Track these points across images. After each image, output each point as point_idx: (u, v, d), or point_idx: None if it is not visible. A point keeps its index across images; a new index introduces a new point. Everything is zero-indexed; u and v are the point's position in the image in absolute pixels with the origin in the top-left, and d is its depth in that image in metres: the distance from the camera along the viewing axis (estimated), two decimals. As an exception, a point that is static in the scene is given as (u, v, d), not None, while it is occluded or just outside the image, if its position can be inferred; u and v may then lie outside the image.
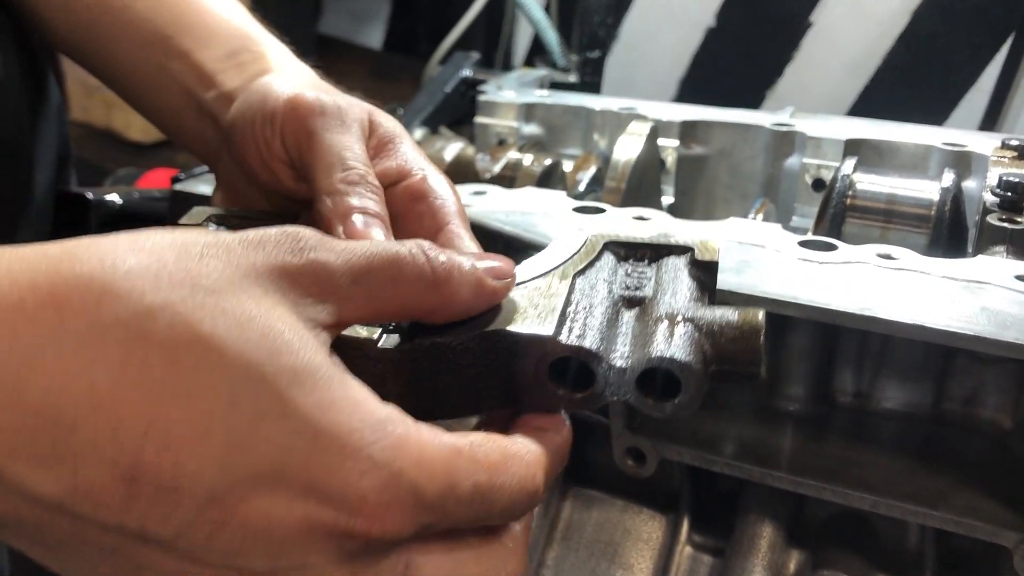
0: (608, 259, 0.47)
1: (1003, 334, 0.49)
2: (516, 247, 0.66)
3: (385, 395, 0.35)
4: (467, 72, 1.23)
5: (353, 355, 0.38)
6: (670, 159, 0.96)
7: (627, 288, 0.45)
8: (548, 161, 0.82)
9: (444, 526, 0.35)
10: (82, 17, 0.61)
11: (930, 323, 0.51)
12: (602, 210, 0.68)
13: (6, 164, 0.65)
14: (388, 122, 0.55)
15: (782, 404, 0.65)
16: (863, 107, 3.14)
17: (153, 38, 0.59)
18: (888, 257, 0.59)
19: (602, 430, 0.64)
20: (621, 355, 0.40)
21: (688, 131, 0.96)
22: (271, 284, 0.34)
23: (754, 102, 3.48)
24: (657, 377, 0.39)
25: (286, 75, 0.57)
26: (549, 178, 0.81)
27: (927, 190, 0.71)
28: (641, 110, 0.98)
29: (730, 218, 0.67)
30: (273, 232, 0.35)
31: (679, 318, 0.41)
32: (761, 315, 0.41)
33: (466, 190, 0.71)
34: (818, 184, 0.90)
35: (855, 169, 0.73)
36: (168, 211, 0.72)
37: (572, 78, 1.62)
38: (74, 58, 0.64)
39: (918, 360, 0.63)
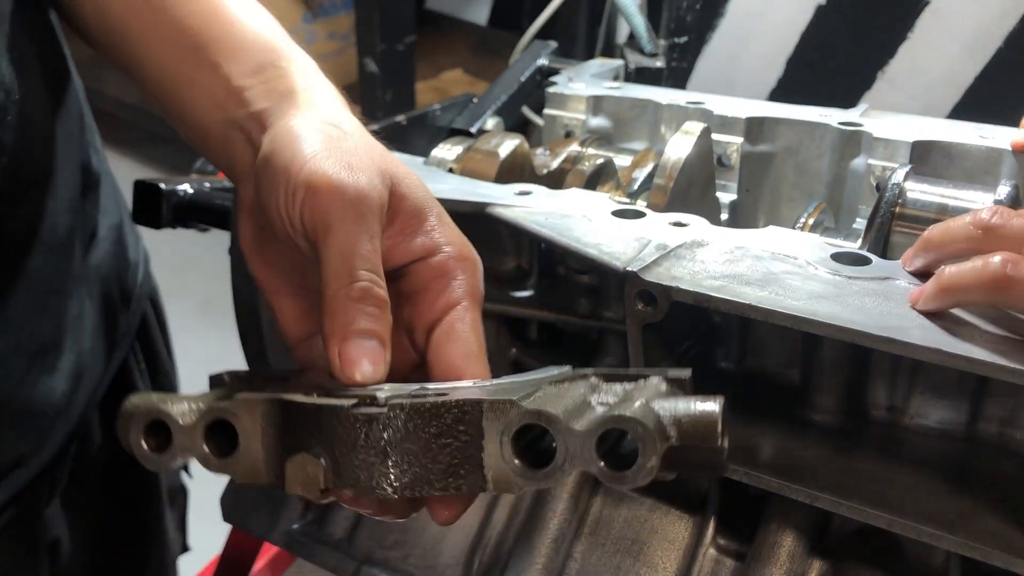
0: (589, 380, 0.47)
1: None
2: (556, 250, 0.67)
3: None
4: (543, 61, 1.24)
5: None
6: (734, 156, 0.96)
7: (599, 393, 0.45)
8: (600, 160, 0.83)
9: None
10: (115, 21, 0.63)
11: (952, 348, 0.50)
12: (642, 214, 0.69)
13: (24, 188, 0.67)
14: (415, 193, 0.54)
15: (812, 415, 0.65)
16: (980, 89, 3.00)
17: (182, 47, 0.60)
18: (924, 275, 0.58)
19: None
20: (583, 423, 0.40)
21: (754, 128, 0.95)
22: None
23: (864, 83, 3.37)
24: (621, 449, 0.40)
25: (314, 126, 0.55)
26: (599, 177, 0.81)
27: (980, 201, 0.69)
28: (708, 105, 0.98)
29: (769, 226, 0.67)
30: None
31: (641, 399, 0.42)
32: (718, 404, 0.42)
33: (511, 189, 0.73)
34: (880, 189, 0.88)
35: (907, 177, 0.72)
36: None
37: (659, 63, 1.61)
38: (110, 59, 0.66)
39: (953, 378, 0.62)
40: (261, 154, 0.54)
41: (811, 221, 0.79)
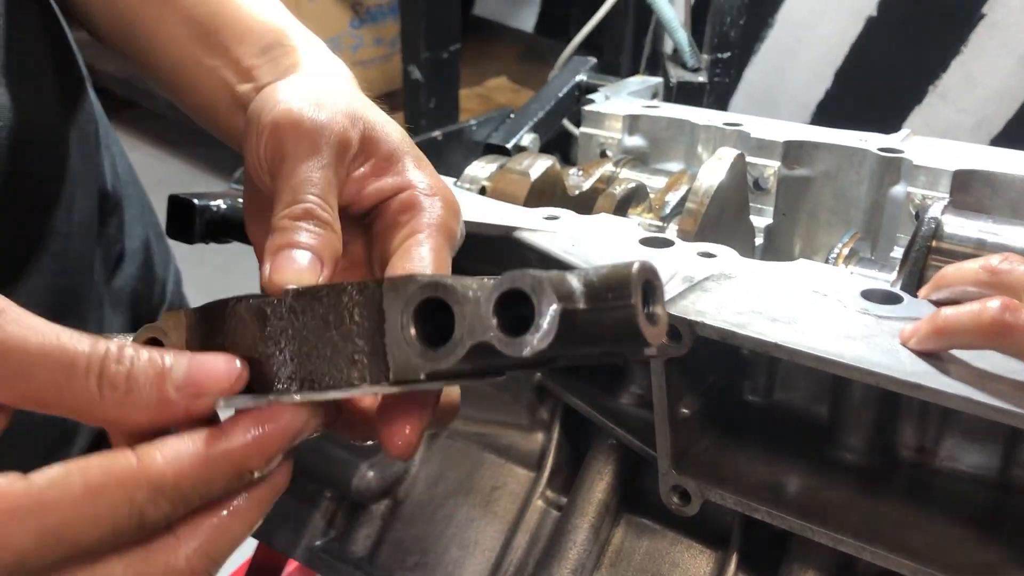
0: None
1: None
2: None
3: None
4: (582, 77, 1.23)
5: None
6: (771, 179, 0.94)
7: None
8: (632, 184, 0.82)
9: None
10: (123, 13, 0.64)
11: (982, 398, 0.49)
12: (670, 243, 0.68)
13: (36, 196, 0.67)
14: (392, 138, 0.54)
15: (840, 454, 0.63)
16: (1036, 105, 2.94)
17: (191, 35, 0.61)
18: (954, 315, 0.56)
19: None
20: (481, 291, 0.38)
21: (791, 152, 0.93)
22: None
23: (915, 96, 3.32)
24: (521, 314, 0.36)
25: (297, 80, 0.56)
26: (630, 201, 0.81)
27: (1021, 239, 0.67)
28: (746, 127, 0.97)
29: (799, 260, 0.66)
30: None
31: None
32: (638, 262, 0.37)
33: (540, 213, 0.73)
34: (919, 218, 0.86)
35: (944, 210, 0.70)
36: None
37: (702, 78, 1.60)
38: (116, 50, 0.67)
39: (986, 422, 0.60)
40: (248, 110, 0.55)
41: (845, 251, 0.77)
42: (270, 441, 0.39)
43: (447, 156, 1.13)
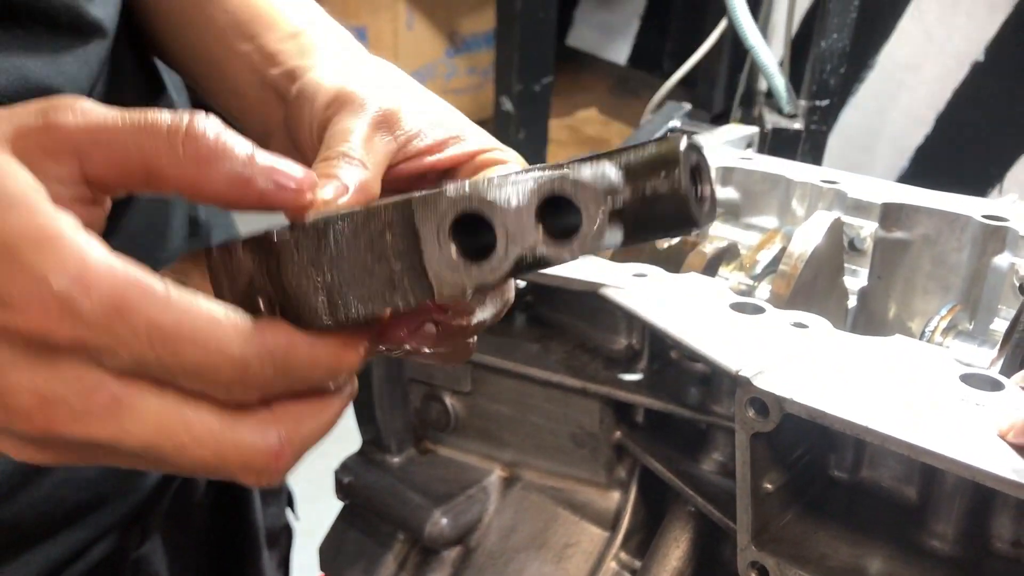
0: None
1: None
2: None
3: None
4: (676, 123, 1.22)
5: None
6: (867, 241, 0.92)
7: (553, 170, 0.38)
8: (723, 243, 0.81)
9: (127, 359, 0.35)
10: (174, 17, 0.67)
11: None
12: (761, 310, 0.67)
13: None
14: (418, 120, 0.53)
15: (928, 541, 0.61)
16: None
17: (222, 27, 0.64)
18: (1060, 408, 0.54)
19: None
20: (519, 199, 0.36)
21: (890, 213, 0.91)
22: (6, 144, 0.37)
23: (1020, 146, 3.20)
24: (564, 217, 0.35)
25: (337, 65, 0.58)
26: (721, 260, 0.80)
27: None
28: (842, 185, 0.94)
29: (895, 336, 0.64)
30: (27, 103, 0.38)
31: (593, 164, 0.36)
32: (684, 139, 0.35)
33: (628, 270, 0.72)
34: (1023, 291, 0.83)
35: (1053, 290, 0.67)
36: None
37: (798, 125, 1.58)
38: (155, 54, 0.71)
39: (1089, 520, 0.57)
40: (295, 88, 0.57)
41: (943, 324, 0.75)
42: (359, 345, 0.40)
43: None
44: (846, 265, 0.94)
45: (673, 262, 0.83)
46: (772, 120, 1.54)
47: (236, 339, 0.37)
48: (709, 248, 0.80)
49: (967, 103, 3.30)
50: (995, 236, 0.86)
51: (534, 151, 2.71)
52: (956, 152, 3.35)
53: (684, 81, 3.82)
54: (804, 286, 0.75)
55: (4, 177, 0.36)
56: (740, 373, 0.58)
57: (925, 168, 3.48)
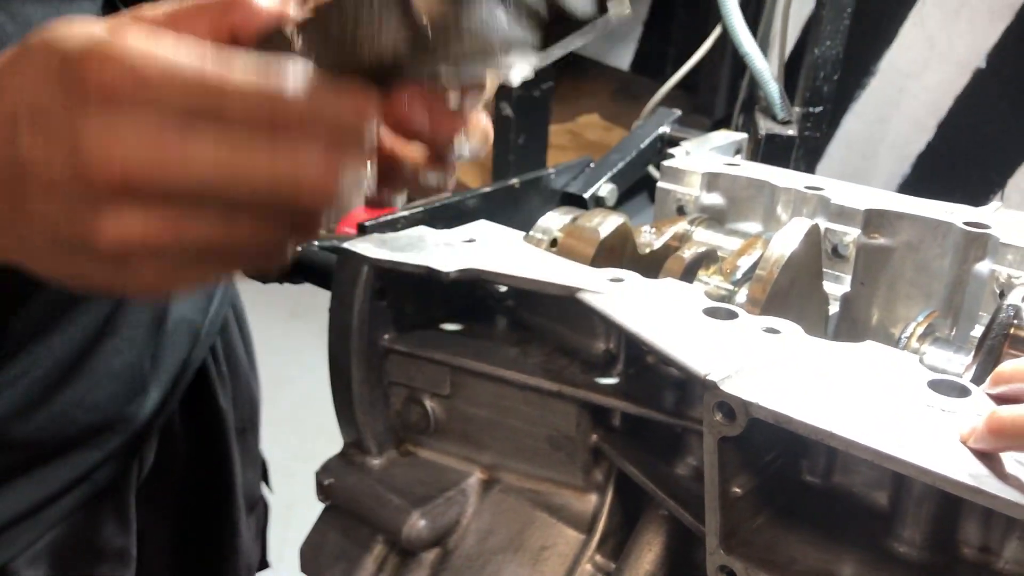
0: None
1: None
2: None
3: None
4: (666, 129, 1.23)
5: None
6: (851, 247, 0.92)
7: None
8: (702, 248, 0.81)
9: (177, 103, 0.42)
10: None
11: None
12: (734, 315, 0.67)
13: None
14: None
15: (897, 547, 0.61)
16: None
17: None
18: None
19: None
20: None
21: (872, 220, 0.91)
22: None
23: (1023, 154, 3.19)
24: None
25: None
26: (699, 265, 0.80)
27: (1105, 333, 0.64)
28: (827, 191, 0.95)
29: (867, 341, 0.64)
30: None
31: None
32: None
33: (604, 275, 0.72)
34: (1003, 297, 0.83)
35: (1027, 298, 0.67)
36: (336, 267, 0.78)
37: (791, 131, 1.58)
38: None
39: (1055, 526, 0.57)
40: None
41: (920, 331, 0.75)
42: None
43: (524, 204, 1.14)
44: (829, 271, 0.94)
45: (655, 265, 0.83)
46: (766, 126, 1.54)
47: (275, 78, 0.43)
48: (687, 254, 0.80)
49: (969, 110, 3.29)
50: (976, 243, 0.86)
51: (534, 156, 2.71)
52: (958, 159, 3.34)
53: (686, 87, 3.82)
54: (781, 291, 0.75)
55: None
56: (708, 377, 0.58)
57: (927, 175, 3.47)
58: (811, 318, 0.82)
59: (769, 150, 1.57)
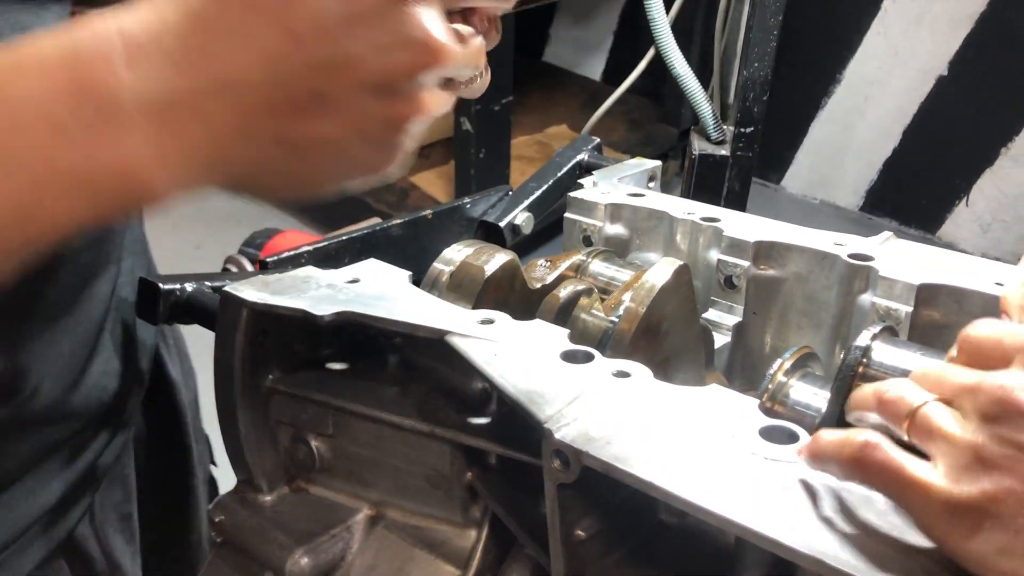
0: None
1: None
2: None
3: None
4: (583, 156, 1.24)
5: None
6: (742, 278, 0.94)
7: None
8: (580, 287, 0.83)
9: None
10: None
11: (835, 563, 0.49)
12: (591, 358, 0.68)
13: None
14: None
15: (738, 586, 0.63)
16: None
17: None
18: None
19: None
20: None
21: (762, 252, 0.93)
22: None
23: (986, 159, 3.23)
24: None
25: None
26: (575, 304, 0.81)
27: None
28: (721, 223, 0.96)
29: (712, 385, 0.65)
30: None
31: None
32: None
33: (476, 317, 0.74)
34: (884, 328, 0.84)
35: (875, 337, 0.69)
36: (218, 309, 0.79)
37: (724, 151, 1.60)
38: None
39: None
40: None
41: (787, 365, 0.76)
42: None
43: (441, 234, 1.15)
44: (723, 301, 0.96)
45: (533, 308, 0.84)
46: (700, 147, 1.56)
47: None
48: (563, 292, 0.82)
49: (933, 116, 3.32)
50: (860, 275, 0.88)
51: (496, 170, 2.73)
52: (923, 165, 3.37)
53: (654, 96, 3.83)
54: (652, 328, 0.77)
55: None
56: (545, 425, 0.60)
57: (893, 181, 3.50)
58: (691, 351, 0.84)
59: (702, 170, 1.59)
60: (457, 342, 0.71)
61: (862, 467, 0.51)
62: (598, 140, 1.27)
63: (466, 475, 0.76)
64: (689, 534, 0.68)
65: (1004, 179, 3.17)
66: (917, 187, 3.38)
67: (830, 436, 0.53)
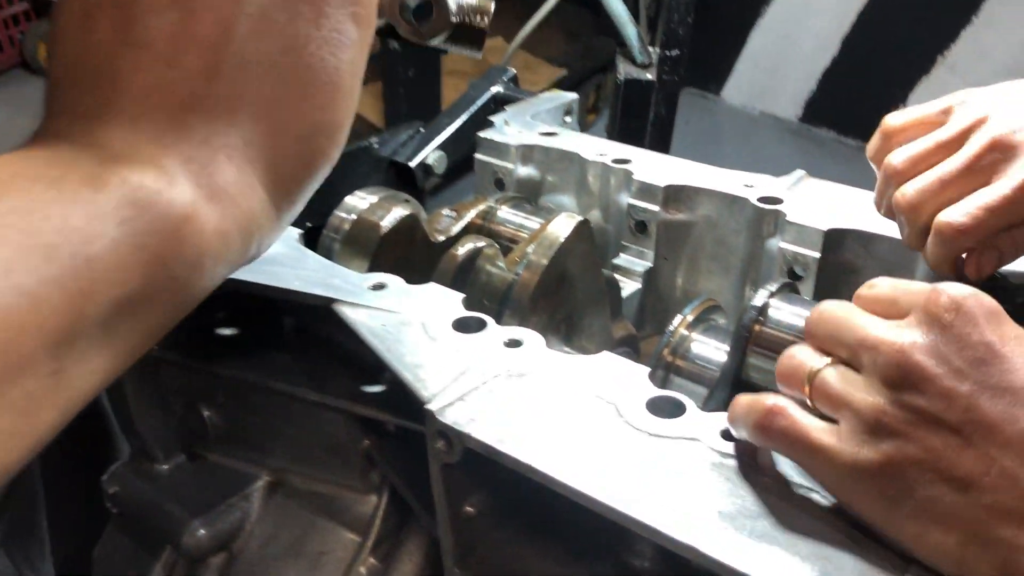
0: None
1: None
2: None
3: None
4: (498, 89, 1.19)
5: None
6: (652, 223, 0.91)
7: None
8: (480, 244, 0.80)
9: None
10: None
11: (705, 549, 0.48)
12: (484, 325, 0.66)
13: None
14: None
15: (632, 560, 0.62)
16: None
17: None
18: (728, 436, 0.54)
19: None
20: None
21: (672, 196, 0.90)
22: None
23: (923, 67, 3.20)
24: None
25: None
26: (473, 262, 0.78)
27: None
28: (632, 165, 0.93)
29: (603, 353, 0.63)
30: None
31: None
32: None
33: (367, 281, 0.71)
34: (792, 274, 0.83)
35: (772, 295, 0.67)
36: None
37: (650, 75, 1.55)
38: None
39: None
40: None
41: (690, 318, 0.74)
42: None
43: (350, 174, 1.10)
44: (633, 247, 0.93)
45: (436, 260, 0.81)
46: (625, 71, 1.52)
47: None
48: (461, 251, 0.79)
49: (871, 25, 3.27)
50: (768, 219, 0.86)
51: (427, 88, 2.65)
52: (862, 74, 3.34)
53: (594, 8, 3.73)
54: (551, 282, 0.75)
55: None
56: (428, 406, 0.58)
57: (832, 91, 3.46)
58: (596, 303, 0.81)
59: (628, 95, 1.54)
60: (345, 311, 0.68)
61: (767, 433, 0.50)
62: (513, 71, 1.22)
63: (362, 443, 0.74)
64: (581, 508, 0.67)
65: (941, 88, 3.15)
66: (855, 97, 3.36)
67: (742, 401, 0.52)
